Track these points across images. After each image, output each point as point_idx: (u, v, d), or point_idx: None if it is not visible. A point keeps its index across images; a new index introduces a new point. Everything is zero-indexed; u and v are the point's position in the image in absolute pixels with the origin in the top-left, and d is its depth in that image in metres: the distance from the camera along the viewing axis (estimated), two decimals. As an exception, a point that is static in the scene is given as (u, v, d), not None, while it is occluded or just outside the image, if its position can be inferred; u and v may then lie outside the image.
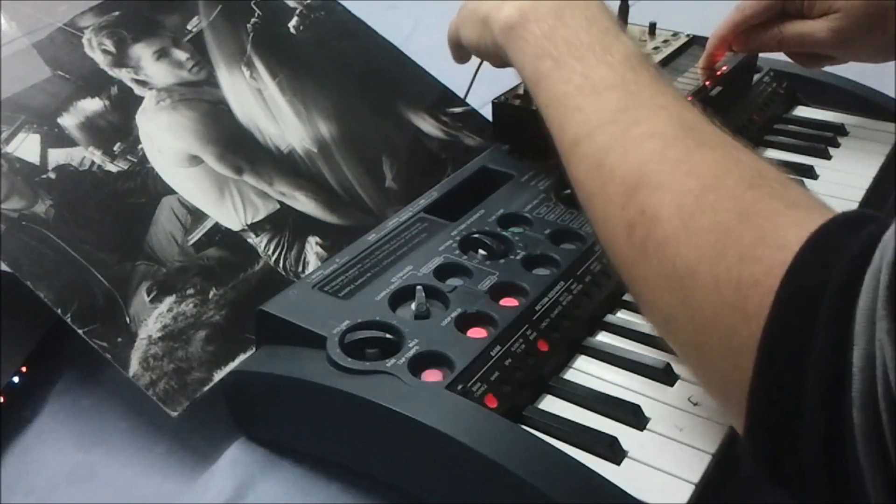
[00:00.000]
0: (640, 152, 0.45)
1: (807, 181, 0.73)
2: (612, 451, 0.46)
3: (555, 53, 0.53)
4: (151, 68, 0.70)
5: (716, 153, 0.44)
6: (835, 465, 0.34)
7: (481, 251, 0.59)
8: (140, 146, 0.66)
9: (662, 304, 0.43)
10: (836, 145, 0.79)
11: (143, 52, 0.71)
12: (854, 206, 0.69)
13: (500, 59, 0.62)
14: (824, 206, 0.40)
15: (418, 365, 0.49)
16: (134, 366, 0.55)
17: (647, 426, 0.48)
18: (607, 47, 0.52)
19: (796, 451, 0.35)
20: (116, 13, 0.72)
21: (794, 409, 0.35)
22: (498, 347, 0.50)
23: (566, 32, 0.53)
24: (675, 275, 0.41)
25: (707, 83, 0.77)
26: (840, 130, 0.81)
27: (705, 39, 0.77)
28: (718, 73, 0.78)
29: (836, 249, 0.35)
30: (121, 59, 0.70)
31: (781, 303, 0.36)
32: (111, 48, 0.70)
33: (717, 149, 0.44)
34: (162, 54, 0.71)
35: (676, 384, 0.51)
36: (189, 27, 0.74)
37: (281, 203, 0.67)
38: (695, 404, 0.50)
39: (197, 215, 0.64)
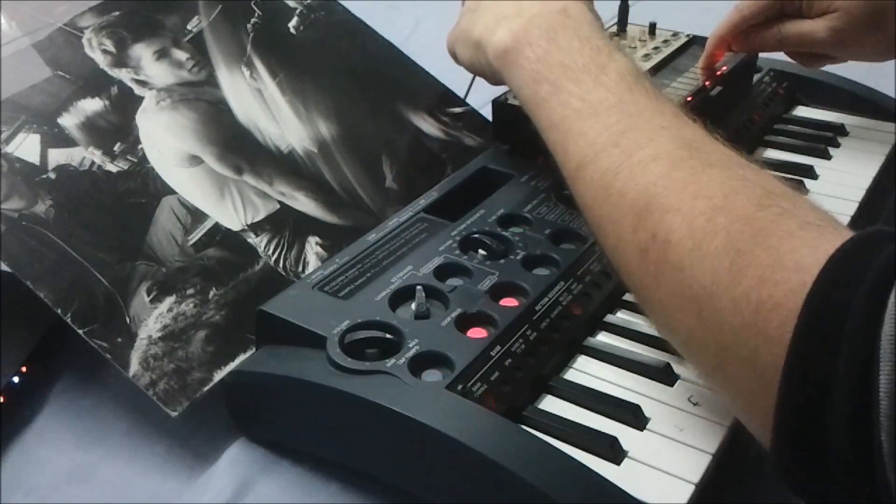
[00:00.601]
0: (646, 175, 0.45)
1: (807, 181, 0.73)
2: (613, 451, 0.46)
3: (551, 77, 0.53)
4: (151, 68, 0.70)
5: (722, 173, 0.44)
6: (863, 484, 0.34)
7: (481, 251, 0.59)
8: (140, 146, 0.66)
9: (681, 326, 0.43)
10: (836, 145, 0.79)
11: (143, 52, 0.71)
12: (854, 205, 0.69)
13: (495, 79, 0.62)
14: (835, 222, 0.40)
15: (418, 365, 0.49)
16: (134, 366, 0.55)
17: (648, 426, 0.48)
18: (602, 67, 0.52)
19: (823, 470, 0.35)
20: (116, 13, 0.72)
21: (821, 431, 0.35)
22: (498, 347, 0.50)
23: (560, 55, 0.54)
24: (692, 298, 0.41)
25: (707, 83, 0.77)
26: (840, 130, 0.81)
27: (705, 39, 0.77)
28: (718, 73, 0.78)
29: (856, 271, 0.35)
30: (121, 59, 0.70)
31: (804, 326, 0.36)
32: (111, 48, 0.70)
33: (723, 168, 0.44)
34: (162, 54, 0.71)
35: (676, 384, 0.51)
36: (189, 27, 0.74)
37: (281, 203, 0.67)
38: (695, 404, 0.50)
39: (197, 215, 0.64)
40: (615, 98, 0.50)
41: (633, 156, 0.46)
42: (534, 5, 0.58)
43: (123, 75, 0.69)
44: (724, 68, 0.78)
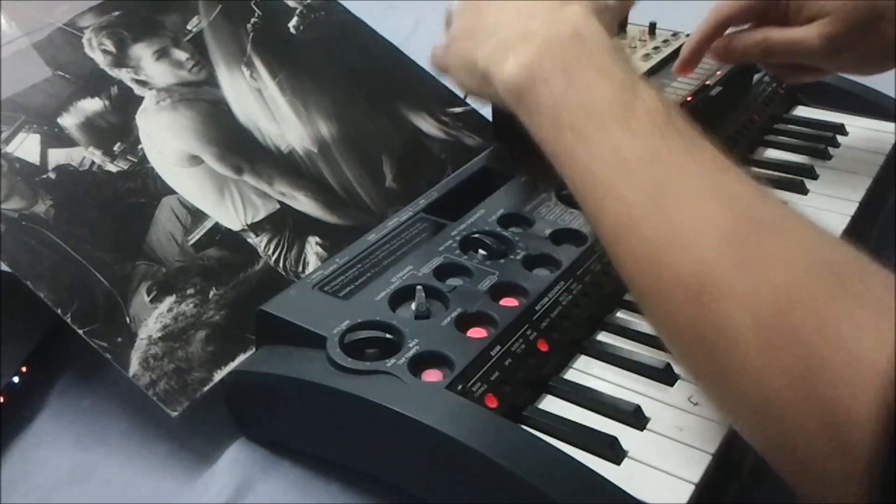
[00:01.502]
0: (695, 250, 0.41)
1: (807, 181, 0.73)
2: (613, 451, 0.46)
3: (574, 124, 0.47)
4: (151, 68, 0.70)
5: (780, 243, 0.40)
6: None
7: (481, 251, 0.59)
8: (140, 146, 0.66)
9: (745, 422, 0.40)
10: (836, 145, 0.79)
11: (143, 52, 0.71)
12: (854, 206, 0.69)
13: (507, 110, 0.55)
14: None
15: (418, 365, 0.49)
16: (134, 366, 0.55)
17: (648, 426, 0.48)
18: (629, 108, 0.46)
19: None
20: (116, 13, 0.72)
21: None
22: (498, 347, 0.50)
23: (580, 96, 0.48)
24: (758, 397, 0.38)
25: (707, 83, 0.77)
26: (840, 130, 0.81)
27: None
28: (719, 71, 0.78)
29: None
30: (121, 59, 0.70)
31: (885, 434, 0.33)
32: (111, 48, 0.70)
33: (779, 236, 0.40)
34: (162, 54, 0.71)
35: (676, 384, 0.51)
36: (189, 27, 0.74)
37: (281, 203, 0.67)
38: (695, 404, 0.50)
39: (197, 215, 0.64)
40: (649, 149, 0.45)
41: (678, 222, 0.42)
42: (540, 27, 0.51)
43: (123, 75, 0.69)
44: (719, 72, 0.78)
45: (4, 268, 0.57)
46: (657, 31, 0.85)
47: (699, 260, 0.40)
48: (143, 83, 0.69)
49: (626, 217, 0.44)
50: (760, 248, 0.39)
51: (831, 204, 0.70)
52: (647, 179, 0.44)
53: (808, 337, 0.36)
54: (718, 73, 0.79)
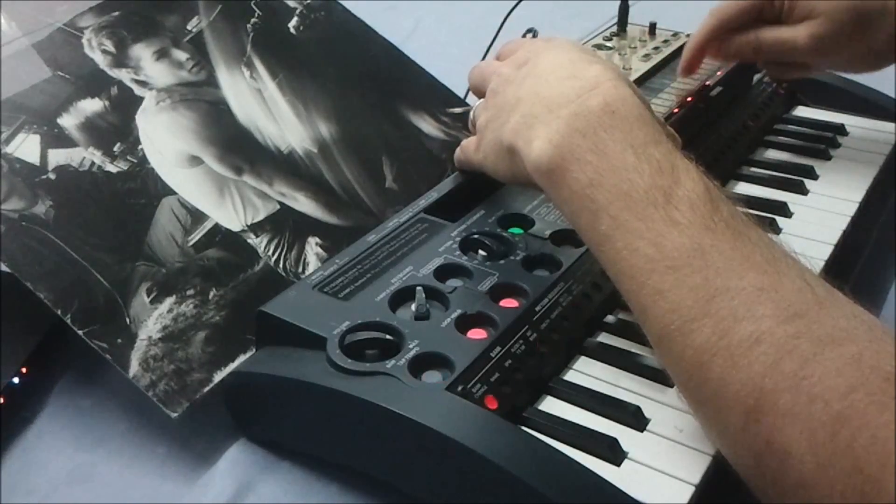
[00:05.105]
0: (751, 366, 0.39)
1: (807, 181, 0.73)
2: (612, 452, 0.46)
3: (610, 210, 0.45)
4: (151, 68, 0.70)
5: (831, 352, 0.38)
6: None
7: (481, 252, 0.59)
8: (140, 147, 0.66)
9: None
10: (837, 145, 0.79)
11: (142, 53, 0.71)
12: (854, 206, 0.69)
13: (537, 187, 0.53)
14: None
15: (418, 366, 0.49)
16: (134, 367, 0.55)
17: (648, 427, 0.48)
18: (669, 195, 0.44)
19: None
20: (116, 13, 0.72)
21: None
22: (498, 348, 0.50)
23: (616, 179, 0.45)
24: None
25: (707, 83, 0.77)
26: (840, 130, 0.81)
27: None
28: (719, 71, 0.78)
29: None
30: (121, 60, 0.70)
31: None
32: (111, 48, 0.70)
33: (833, 345, 0.39)
34: (162, 54, 0.71)
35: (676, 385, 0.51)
36: (189, 27, 0.74)
37: (281, 203, 0.67)
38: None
39: (197, 216, 0.64)
40: (693, 244, 0.43)
41: (731, 334, 0.40)
42: (566, 97, 0.49)
43: (123, 75, 0.69)
44: (720, 73, 0.78)
45: (4, 268, 0.57)
46: (657, 31, 0.85)
47: (755, 376, 0.39)
48: (142, 83, 0.69)
49: (672, 318, 0.43)
50: (817, 364, 0.38)
51: (831, 204, 0.70)
52: (695, 281, 0.42)
53: (861, 456, 0.36)
54: (718, 73, 0.79)
